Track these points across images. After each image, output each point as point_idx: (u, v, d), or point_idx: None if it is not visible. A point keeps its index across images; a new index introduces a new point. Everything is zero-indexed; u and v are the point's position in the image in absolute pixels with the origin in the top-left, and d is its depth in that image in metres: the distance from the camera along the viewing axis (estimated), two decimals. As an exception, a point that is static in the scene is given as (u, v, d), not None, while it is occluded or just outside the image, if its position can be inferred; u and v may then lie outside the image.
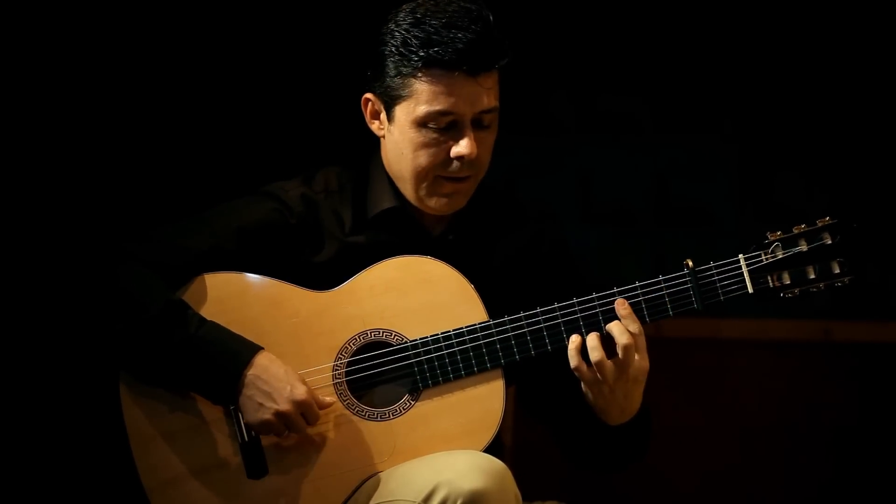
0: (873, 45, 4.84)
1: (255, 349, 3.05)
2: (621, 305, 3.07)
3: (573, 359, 3.05)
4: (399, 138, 3.12)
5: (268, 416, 3.01)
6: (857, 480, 4.81)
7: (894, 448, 4.78)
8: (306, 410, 3.02)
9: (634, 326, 3.06)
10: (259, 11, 4.63)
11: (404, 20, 3.09)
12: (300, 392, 3.01)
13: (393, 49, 3.08)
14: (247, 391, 3.02)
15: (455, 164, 3.10)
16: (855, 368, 4.80)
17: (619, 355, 3.04)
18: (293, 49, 4.66)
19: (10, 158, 4.40)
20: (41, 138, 4.44)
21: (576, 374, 3.06)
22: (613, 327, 3.06)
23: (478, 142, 3.09)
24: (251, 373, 3.02)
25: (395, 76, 3.09)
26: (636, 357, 3.06)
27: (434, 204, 3.15)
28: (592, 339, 3.05)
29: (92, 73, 4.47)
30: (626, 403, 3.10)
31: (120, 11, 4.47)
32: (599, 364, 3.04)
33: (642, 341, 3.06)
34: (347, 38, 4.63)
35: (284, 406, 3.00)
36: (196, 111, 4.57)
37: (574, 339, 3.06)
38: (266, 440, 3.06)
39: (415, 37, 3.06)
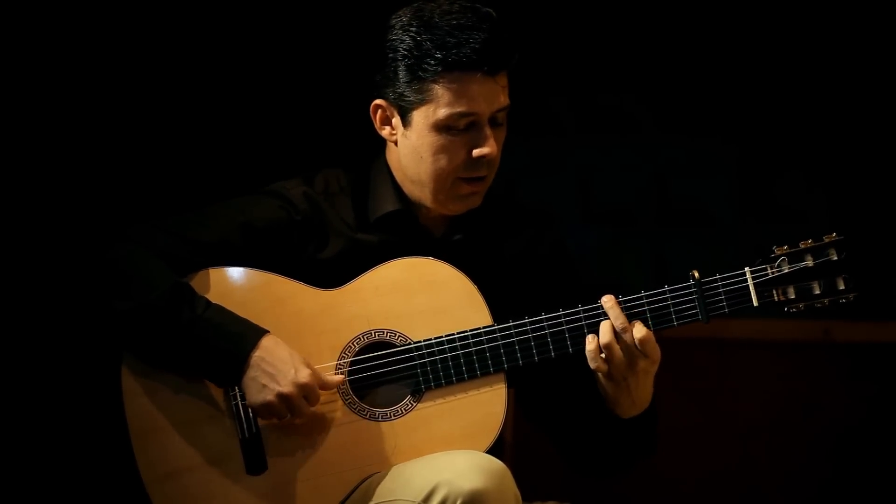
0: (873, 45, 4.84)
1: (260, 332, 3.05)
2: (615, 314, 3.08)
3: (593, 361, 3.06)
4: (417, 143, 3.12)
5: (270, 397, 3.02)
6: (857, 480, 4.81)
7: (894, 448, 4.79)
8: (309, 393, 3.03)
9: (639, 331, 3.06)
10: (261, 13, 4.63)
11: (411, 24, 3.08)
12: (304, 375, 3.02)
13: (405, 53, 3.07)
14: (251, 372, 3.03)
15: (475, 164, 3.11)
16: (855, 368, 4.80)
17: (626, 350, 3.05)
18: (295, 51, 4.66)
19: (19, 154, 4.41)
20: (48, 137, 4.44)
21: (588, 357, 3.07)
22: (619, 328, 3.07)
23: (494, 140, 3.10)
24: (256, 354, 3.03)
25: (411, 81, 3.08)
26: (642, 354, 3.06)
27: (453, 206, 3.16)
28: (606, 336, 3.06)
29: (96, 72, 4.47)
30: (638, 394, 3.10)
31: (124, 11, 4.47)
32: (608, 346, 3.04)
33: (650, 343, 3.06)
34: (347, 42, 4.64)
35: (287, 388, 3.01)
36: (198, 114, 4.57)
37: (591, 340, 3.06)
38: (267, 437, 3.06)
39: (428, 40, 3.05)
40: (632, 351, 3.05)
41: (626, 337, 3.05)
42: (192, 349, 3.04)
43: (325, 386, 3.06)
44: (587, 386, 3.14)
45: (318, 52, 4.68)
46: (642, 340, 3.04)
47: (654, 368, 3.09)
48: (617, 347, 3.05)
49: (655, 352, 3.07)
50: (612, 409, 3.13)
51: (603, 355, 3.06)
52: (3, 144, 4.40)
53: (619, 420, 3.13)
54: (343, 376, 3.09)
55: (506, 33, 3.08)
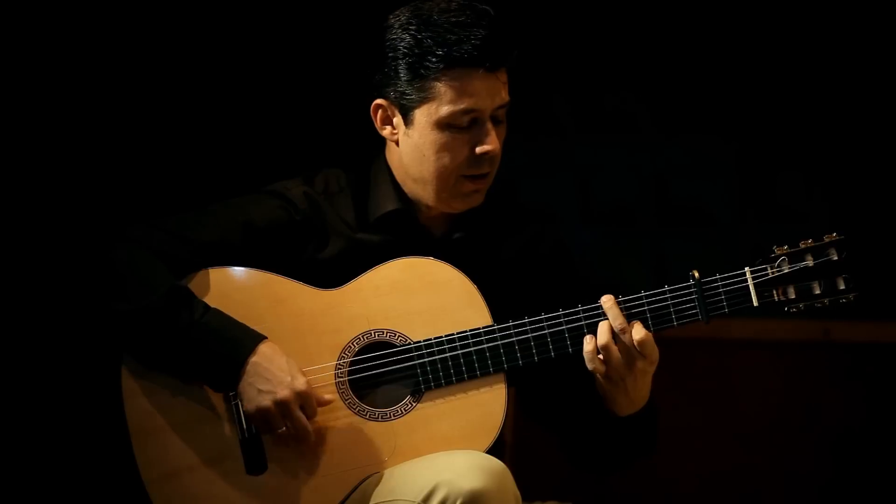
0: (873, 45, 4.84)
1: (258, 338, 3.05)
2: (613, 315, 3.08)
3: (591, 362, 3.06)
4: (419, 141, 3.12)
5: (266, 403, 3.01)
6: (857, 480, 4.81)
7: (894, 448, 4.79)
8: (305, 402, 3.03)
9: (638, 332, 3.05)
10: (261, 13, 4.64)
11: (410, 22, 3.08)
12: (300, 383, 3.02)
13: (406, 52, 3.07)
14: (248, 378, 3.03)
15: (478, 161, 3.11)
16: (855, 368, 4.80)
17: (625, 351, 3.05)
18: (295, 52, 4.66)
19: (19, 154, 4.41)
20: (48, 137, 4.45)
21: (592, 371, 3.06)
22: (618, 329, 3.06)
23: (496, 137, 3.11)
24: (253, 360, 3.03)
25: (413, 79, 3.08)
26: (640, 355, 3.05)
27: (456, 204, 3.16)
28: (604, 337, 3.05)
29: (96, 72, 4.47)
30: (636, 394, 3.09)
31: (124, 11, 4.48)
32: (605, 347, 3.04)
33: (649, 345, 3.05)
34: (346, 42, 4.64)
35: (283, 394, 3.01)
36: (198, 114, 4.57)
37: (589, 341, 3.06)
38: (266, 437, 3.06)
39: (428, 38, 3.06)
40: (630, 352, 3.05)
41: (625, 338, 3.05)
42: (189, 353, 3.04)
43: (318, 402, 3.06)
44: (587, 384, 3.14)
45: (317, 52, 4.68)
46: (641, 342, 3.04)
47: (653, 369, 3.08)
48: (615, 348, 3.05)
49: (654, 352, 3.06)
50: (609, 408, 3.13)
51: (601, 356, 3.06)
52: (3, 144, 4.41)
53: (617, 418, 3.13)
54: (333, 396, 3.09)
55: (505, 29, 3.09)
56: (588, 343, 3.05)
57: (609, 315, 3.06)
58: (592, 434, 3.18)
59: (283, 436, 3.05)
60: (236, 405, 3.07)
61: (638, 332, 3.04)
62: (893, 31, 4.82)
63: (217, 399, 3.08)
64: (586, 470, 3.26)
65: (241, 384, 3.03)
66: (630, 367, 3.05)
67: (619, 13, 4.92)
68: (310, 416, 3.04)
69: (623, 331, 3.04)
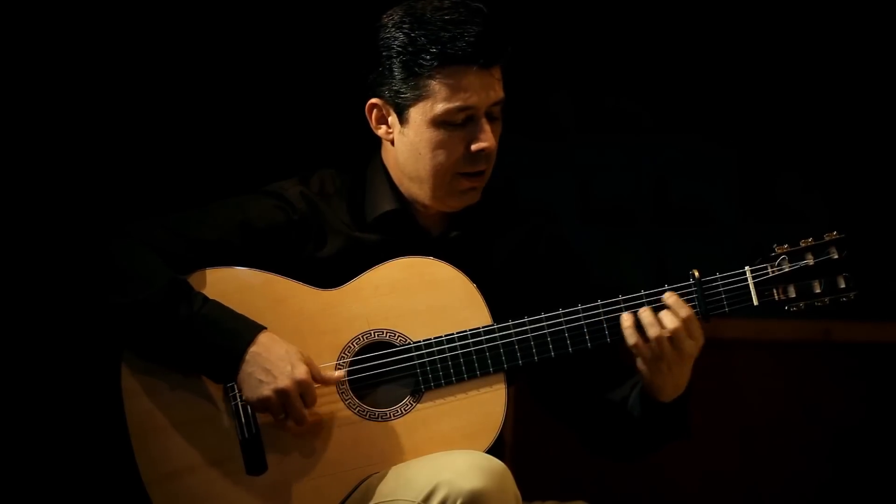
0: (873, 46, 4.84)
1: (258, 328, 3.06)
2: (669, 297, 3.06)
3: (631, 336, 3.05)
4: (415, 139, 3.12)
5: (267, 392, 3.02)
6: (857, 480, 4.81)
7: (894, 448, 4.79)
8: (305, 391, 3.03)
9: (684, 311, 3.04)
10: (259, 14, 4.64)
11: (404, 21, 3.09)
12: (300, 371, 3.02)
13: (400, 50, 3.08)
14: (247, 367, 3.03)
15: (474, 158, 3.11)
16: (855, 368, 4.80)
17: (672, 336, 3.03)
18: (290, 52, 4.67)
19: (19, 153, 4.41)
20: (48, 137, 4.45)
21: (634, 351, 3.06)
22: (664, 315, 3.05)
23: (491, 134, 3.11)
24: (253, 350, 3.03)
25: (407, 77, 3.09)
26: (688, 336, 3.04)
27: (452, 202, 3.16)
28: (648, 316, 3.04)
29: (96, 72, 4.48)
30: (682, 379, 3.09)
31: (124, 11, 4.48)
32: (658, 340, 3.03)
33: (695, 322, 3.05)
34: (341, 42, 4.64)
35: (283, 383, 3.01)
36: (197, 114, 4.58)
37: (627, 318, 3.05)
38: (266, 437, 3.06)
39: (422, 36, 3.06)
40: (679, 337, 3.04)
41: (675, 324, 3.03)
42: (189, 345, 3.04)
43: (325, 381, 3.06)
44: (608, 373, 3.17)
45: (312, 52, 4.68)
46: (688, 322, 3.03)
47: (699, 350, 3.07)
48: (666, 338, 3.03)
49: (700, 331, 3.05)
50: (653, 396, 3.11)
51: (652, 346, 3.03)
52: (3, 144, 4.41)
53: (660, 404, 3.12)
54: (344, 371, 3.09)
55: (498, 26, 3.09)
56: (634, 336, 3.04)
57: (670, 302, 3.04)
58: (622, 423, 3.17)
59: (281, 423, 3.05)
60: (236, 405, 3.08)
61: (685, 313, 3.04)
62: (893, 31, 4.82)
63: (217, 398, 3.09)
64: (612, 458, 3.26)
65: (240, 374, 3.04)
66: (680, 353, 3.05)
67: (620, 13, 4.92)
68: (309, 405, 3.04)
69: (680, 318, 3.03)
